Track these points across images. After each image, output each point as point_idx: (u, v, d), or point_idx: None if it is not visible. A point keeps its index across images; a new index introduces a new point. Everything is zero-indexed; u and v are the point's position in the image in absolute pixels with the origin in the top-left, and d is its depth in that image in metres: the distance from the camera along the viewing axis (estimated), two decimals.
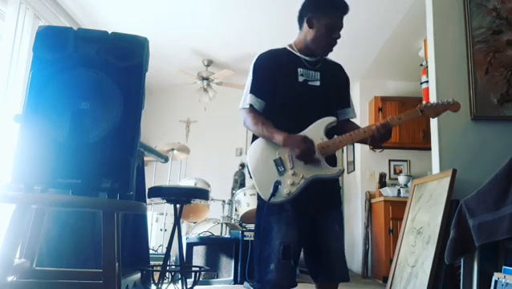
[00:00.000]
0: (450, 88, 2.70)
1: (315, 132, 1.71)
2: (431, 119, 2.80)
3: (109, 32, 1.39)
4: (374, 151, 5.30)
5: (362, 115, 5.32)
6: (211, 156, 5.88)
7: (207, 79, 5.33)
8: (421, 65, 3.67)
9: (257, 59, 1.85)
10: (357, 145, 5.41)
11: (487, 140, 2.59)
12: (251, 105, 1.77)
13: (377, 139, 1.71)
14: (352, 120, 1.93)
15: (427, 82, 3.09)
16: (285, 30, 4.73)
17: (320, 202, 1.74)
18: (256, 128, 1.75)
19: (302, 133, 1.71)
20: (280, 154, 1.70)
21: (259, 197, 1.73)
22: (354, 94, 5.74)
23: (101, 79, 1.33)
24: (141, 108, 1.37)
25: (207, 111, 5.87)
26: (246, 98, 1.79)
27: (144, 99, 1.39)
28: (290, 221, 1.67)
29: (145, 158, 2.88)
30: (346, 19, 1.83)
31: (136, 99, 1.35)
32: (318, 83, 1.80)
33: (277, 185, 1.65)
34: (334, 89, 1.84)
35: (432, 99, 2.77)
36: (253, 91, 1.78)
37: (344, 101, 1.90)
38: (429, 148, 2.82)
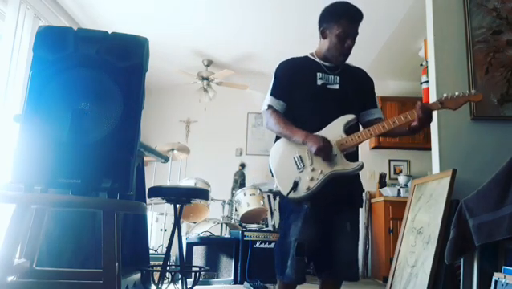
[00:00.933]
0: (450, 88, 2.68)
1: (334, 129, 1.77)
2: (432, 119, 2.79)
3: (109, 32, 1.39)
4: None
5: None
6: (211, 156, 5.87)
7: (207, 79, 5.33)
8: (421, 65, 3.67)
9: (279, 65, 1.94)
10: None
11: (487, 140, 2.59)
12: (271, 106, 1.85)
13: (419, 126, 1.73)
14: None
15: (427, 82, 3.09)
16: (285, 31, 4.75)
17: (339, 202, 1.78)
18: (277, 127, 1.82)
19: (322, 131, 1.77)
20: (300, 152, 1.77)
21: (281, 196, 1.80)
22: None
23: (101, 79, 1.33)
24: (141, 108, 1.37)
25: (207, 111, 5.86)
26: (267, 100, 1.88)
27: (144, 99, 1.39)
28: (308, 220, 1.72)
29: (145, 158, 2.88)
30: None
31: (136, 99, 1.35)
32: (337, 87, 1.86)
33: (296, 181, 1.71)
34: (354, 92, 1.89)
35: (433, 99, 2.77)
36: (273, 93, 1.88)
37: (369, 103, 1.95)
38: (429, 148, 2.82)
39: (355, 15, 1.83)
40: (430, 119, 1.75)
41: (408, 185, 4.78)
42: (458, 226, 2.07)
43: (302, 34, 3.99)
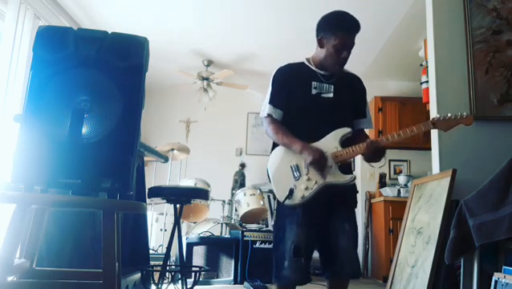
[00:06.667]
0: (450, 88, 2.70)
1: (330, 141, 1.83)
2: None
3: (109, 32, 1.38)
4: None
5: None
6: (211, 156, 5.87)
7: (207, 79, 5.33)
8: (421, 65, 3.67)
9: (276, 72, 1.97)
10: None
11: (487, 140, 2.59)
12: (270, 115, 1.90)
13: (366, 159, 1.83)
14: (367, 130, 2.04)
15: (427, 82, 3.09)
16: (285, 30, 4.75)
17: (332, 206, 1.83)
18: (276, 136, 1.87)
19: (319, 142, 1.82)
20: (297, 161, 1.82)
21: (278, 201, 1.85)
22: None
23: (101, 79, 1.32)
24: (141, 108, 1.37)
25: (207, 111, 5.86)
26: (266, 108, 1.92)
27: (144, 99, 1.39)
28: (301, 224, 1.79)
29: (145, 158, 2.88)
30: None
31: (136, 99, 1.35)
32: (331, 95, 1.90)
33: (292, 189, 1.78)
34: (348, 101, 1.93)
35: (432, 99, 2.77)
36: (271, 101, 1.92)
37: (360, 112, 1.99)
38: (429, 148, 2.82)
39: (353, 27, 1.85)
40: (379, 154, 1.81)
41: (408, 185, 4.78)
42: (458, 226, 2.07)
43: (302, 34, 3.98)
